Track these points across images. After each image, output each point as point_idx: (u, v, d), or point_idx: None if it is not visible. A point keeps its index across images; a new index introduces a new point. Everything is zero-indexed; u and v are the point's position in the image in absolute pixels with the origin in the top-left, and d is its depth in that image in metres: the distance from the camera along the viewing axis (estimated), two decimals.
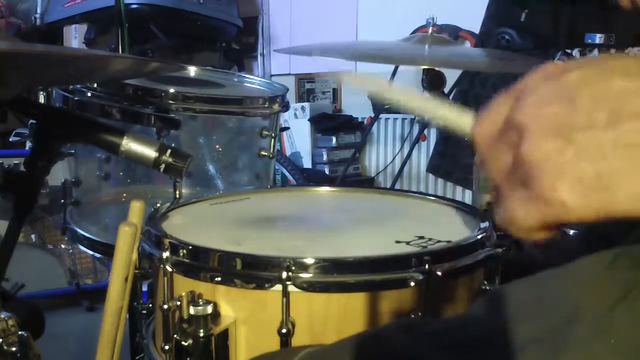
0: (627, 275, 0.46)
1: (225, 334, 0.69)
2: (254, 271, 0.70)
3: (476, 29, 3.01)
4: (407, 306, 0.70)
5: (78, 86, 1.15)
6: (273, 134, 1.31)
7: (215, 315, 0.69)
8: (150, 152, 0.89)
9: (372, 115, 3.55)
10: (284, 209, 1.05)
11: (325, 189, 1.16)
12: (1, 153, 2.42)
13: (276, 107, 1.29)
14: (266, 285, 0.69)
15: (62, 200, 1.35)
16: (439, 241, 0.79)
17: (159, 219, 0.89)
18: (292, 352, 0.65)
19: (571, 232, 1.24)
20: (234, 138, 1.36)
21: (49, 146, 0.87)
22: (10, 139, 2.37)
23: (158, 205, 0.95)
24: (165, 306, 0.71)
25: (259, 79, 1.54)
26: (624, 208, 0.35)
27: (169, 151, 0.89)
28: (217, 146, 1.34)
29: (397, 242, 0.79)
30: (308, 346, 0.66)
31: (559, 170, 0.36)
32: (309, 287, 0.68)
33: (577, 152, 0.35)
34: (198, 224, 0.93)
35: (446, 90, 1.15)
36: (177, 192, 1.08)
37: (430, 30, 1.14)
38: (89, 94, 1.14)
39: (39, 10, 3.41)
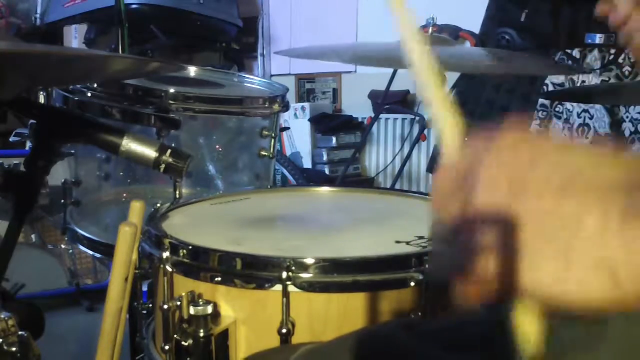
0: None
1: (225, 334, 0.69)
2: (254, 271, 0.70)
3: (476, 29, 3.01)
4: (407, 306, 0.70)
5: (78, 86, 1.15)
6: (273, 134, 1.31)
7: (215, 315, 0.69)
8: (150, 152, 0.89)
9: (372, 115, 3.55)
10: (284, 209, 1.05)
11: (325, 189, 1.16)
12: (1, 153, 2.42)
13: (276, 107, 1.29)
14: (266, 285, 0.69)
15: (62, 200, 1.35)
16: None
17: (159, 219, 0.89)
18: (291, 349, 0.65)
19: None
20: (234, 138, 1.36)
21: (49, 146, 0.87)
22: (10, 139, 2.37)
23: (158, 205, 0.95)
24: (165, 306, 0.71)
25: (259, 79, 1.54)
26: (549, 292, 0.33)
27: (169, 151, 0.89)
28: (217, 146, 1.34)
29: (397, 242, 0.79)
30: (307, 343, 0.66)
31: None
32: (309, 287, 0.68)
33: (523, 223, 0.34)
34: (198, 224, 0.93)
35: (446, 90, 1.15)
36: (177, 192, 1.08)
37: (430, 30, 1.14)
38: (89, 94, 1.14)
39: (39, 10, 3.41)
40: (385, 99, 3.34)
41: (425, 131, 3.35)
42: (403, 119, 3.56)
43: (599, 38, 2.17)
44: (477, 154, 0.37)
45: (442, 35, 1.16)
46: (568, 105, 2.24)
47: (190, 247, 0.74)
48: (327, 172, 3.58)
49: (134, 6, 2.96)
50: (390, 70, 3.20)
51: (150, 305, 0.89)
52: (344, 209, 1.05)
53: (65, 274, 2.53)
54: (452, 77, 2.79)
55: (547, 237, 0.32)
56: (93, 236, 1.27)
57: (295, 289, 0.68)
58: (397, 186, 3.31)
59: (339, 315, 0.69)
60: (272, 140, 1.31)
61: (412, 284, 0.69)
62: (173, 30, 3.28)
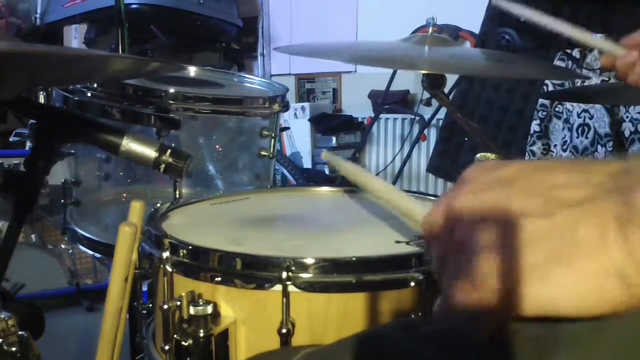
0: None
1: (225, 334, 0.69)
2: (254, 271, 0.70)
3: (476, 29, 3.01)
4: (407, 306, 0.70)
5: (78, 86, 1.15)
6: (273, 134, 1.31)
7: (215, 315, 0.69)
8: (150, 152, 0.89)
9: (372, 115, 3.55)
10: (284, 209, 1.05)
11: (325, 189, 1.16)
12: (1, 153, 2.42)
13: (276, 107, 1.29)
14: (266, 285, 0.69)
15: (62, 200, 1.35)
16: None
17: (159, 219, 0.88)
18: (291, 351, 0.65)
19: None
20: (234, 138, 1.36)
21: (49, 146, 0.87)
22: (10, 139, 2.38)
23: (158, 205, 0.95)
24: (165, 306, 0.71)
25: (259, 79, 1.54)
26: (551, 302, 0.33)
27: (169, 151, 0.89)
28: (217, 146, 1.34)
29: (397, 242, 0.79)
30: (307, 346, 0.66)
31: (492, 256, 0.35)
32: (309, 287, 0.68)
33: (512, 238, 0.34)
34: (198, 224, 0.93)
35: (446, 90, 1.15)
36: (177, 192, 1.08)
37: (430, 30, 1.14)
38: (89, 94, 1.14)
39: (39, 10, 3.42)
40: (385, 99, 3.34)
41: (425, 131, 3.35)
42: (403, 119, 3.56)
43: (599, 38, 2.17)
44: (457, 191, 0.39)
45: (442, 35, 1.16)
46: (568, 105, 2.24)
47: (190, 247, 0.74)
48: (327, 172, 3.58)
49: (134, 6, 2.97)
50: (390, 70, 3.20)
51: (150, 305, 0.89)
52: (344, 209, 1.05)
53: (65, 274, 2.53)
54: (452, 77, 2.80)
55: (550, 252, 0.33)
56: (93, 236, 1.27)
57: (295, 289, 0.68)
58: (397, 186, 3.31)
59: (339, 315, 0.69)
60: (272, 140, 1.31)
61: (412, 284, 0.69)
62: (173, 30, 3.29)
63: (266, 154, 1.31)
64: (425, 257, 0.70)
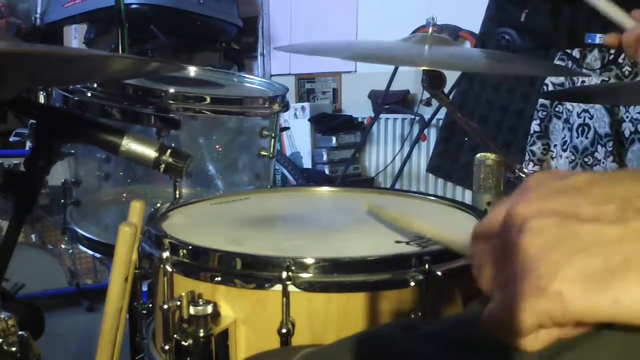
0: None
1: (225, 334, 0.69)
2: (254, 271, 0.70)
3: (476, 29, 3.02)
4: (407, 306, 0.70)
5: (78, 86, 1.15)
6: (273, 134, 1.31)
7: (215, 315, 0.69)
8: (150, 152, 0.89)
9: (372, 115, 3.55)
10: (284, 209, 1.05)
11: (325, 189, 1.16)
12: (1, 153, 2.42)
13: (276, 107, 1.29)
14: (266, 285, 0.69)
15: (62, 200, 1.35)
16: None
17: (159, 219, 0.88)
18: (291, 352, 0.65)
19: None
20: (234, 138, 1.36)
21: (49, 146, 0.87)
22: (10, 139, 2.38)
23: (158, 205, 0.95)
24: (165, 306, 0.71)
25: (259, 79, 1.54)
26: (627, 310, 0.32)
27: (169, 151, 0.89)
28: (217, 146, 1.34)
29: (397, 242, 0.79)
30: (306, 346, 0.66)
31: (559, 261, 0.33)
32: (309, 287, 0.68)
33: (582, 244, 0.33)
34: (198, 224, 0.93)
35: (446, 90, 1.15)
36: (177, 192, 1.08)
37: (430, 30, 1.14)
38: (89, 94, 1.14)
39: (39, 10, 3.41)
40: (385, 99, 3.34)
41: (425, 131, 3.35)
42: (403, 119, 3.56)
43: (599, 38, 2.17)
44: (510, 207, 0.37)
45: (442, 35, 1.16)
46: (568, 105, 2.24)
47: (190, 247, 0.74)
48: (327, 172, 3.58)
49: (134, 6, 2.97)
50: (391, 70, 3.20)
51: (150, 305, 0.89)
52: (344, 209, 1.05)
53: (65, 274, 2.53)
54: (452, 77, 2.80)
55: (626, 259, 0.32)
56: (93, 236, 1.27)
57: (295, 289, 0.68)
58: (397, 186, 3.31)
59: (339, 315, 0.69)
60: (272, 140, 1.31)
61: (412, 284, 0.69)
62: (173, 30, 3.29)
63: (266, 154, 1.31)
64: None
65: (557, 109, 2.34)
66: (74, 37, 3.30)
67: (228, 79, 1.50)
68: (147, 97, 1.13)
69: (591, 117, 2.14)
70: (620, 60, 2.10)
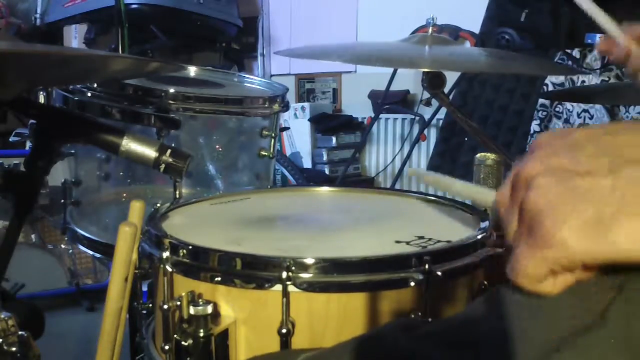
0: (618, 278, 0.47)
1: (225, 334, 0.69)
2: (254, 271, 0.70)
3: (476, 29, 3.02)
4: (407, 306, 0.70)
5: (78, 86, 1.15)
6: (273, 134, 1.31)
7: (215, 315, 0.69)
8: (150, 152, 0.89)
9: (372, 115, 3.55)
10: (284, 209, 1.05)
11: (325, 189, 1.16)
12: (1, 153, 2.42)
13: (276, 107, 1.29)
14: (266, 285, 0.69)
15: (62, 200, 1.35)
16: (438, 241, 0.78)
17: (159, 219, 0.88)
18: (291, 354, 0.65)
19: None
20: (234, 138, 1.36)
21: (49, 146, 0.87)
22: (10, 139, 2.38)
23: (158, 205, 0.95)
24: (165, 306, 0.71)
25: (259, 79, 1.54)
26: (625, 250, 0.36)
27: (169, 151, 0.89)
28: (217, 146, 1.34)
29: (397, 242, 0.79)
30: (306, 350, 0.66)
31: (561, 213, 0.38)
32: (309, 287, 0.68)
33: (579, 196, 0.37)
34: (198, 224, 0.93)
35: (446, 90, 1.15)
36: (177, 192, 1.08)
37: (430, 30, 1.14)
38: (89, 94, 1.14)
39: (39, 10, 3.42)
40: (385, 99, 3.34)
41: (425, 131, 3.35)
42: (403, 119, 3.56)
43: (599, 38, 2.17)
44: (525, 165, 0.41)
45: (442, 35, 1.16)
46: (568, 105, 2.24)
47: (190, 247, 0.74)
48: (327, 172, 3.58)
49: (134, 6, 2.97)
50: (390, 70, 3.20)
51: (150, 305, 0.89)
52: (344, 209, 1.05)
53: (65, 274, 2.53)
54: (452, 77, 2.80)
55: (621, 205, 0.36)
56: (93, 236, 1.27)
57: (295, 289, 0.68)
58: (397, 186, 3.31)
59: (339, 315, 0.69)
60: (272, 140, 1.31)
61: (412, 284, 0.69)
62: (173, 30, 3.29)
63: (266, 154, 1.31)
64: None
65: (557, 109, 2.34)
66: (74, 37, 3.30)
67: (228, 79, 1.50)
68: (147, 97, 1.13)
69: (591, 117, 2.14)
70: None
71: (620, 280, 0.49)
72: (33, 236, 2.53)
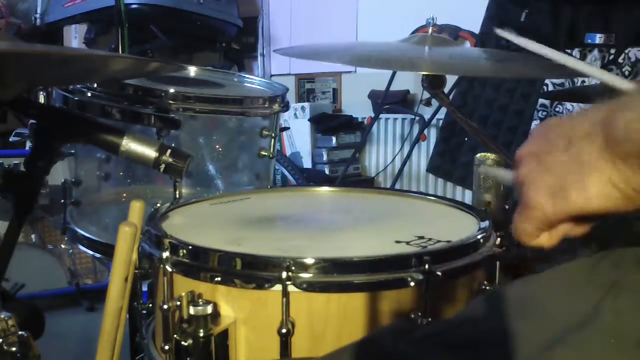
0: (609, 277, 0.53)
1: (225, 334, 0.69)
2: (253, 271, 0.70)
3: (476, 29, 3.02)
4: (407, 306, 0.70)
5: (78, 86, 1.15)
6: (273, 134, 1.31)
7: (215, 315, 0.69)
8: (150, 152, 0.89)
9: (372, 115, 3.55)
10: (284, 209, 1.05)
11: (325, 189, 1.16)
12: (1, 153, 2.42)
13: (276, 107, 1.29)
14: (266, 285, 0.69)
15: (62, 200, 1.35)
16: (438, 241, 0.79)
17: (159, 219, 0.89)
18: None
19: None
20: (234, 138, 1.36)
21: (49, 146, 0.87)
22: (10, 139, 2.38)
23: (158, 205, 0.95)
24: (165, 306, 0.71)
25: (259, 79, 1.54)
26: (580, 206, 0.48)
27: (169, 151, 0.89)
28: (217, 146, 1.34)
29: (397, 242, 0.79)
30: (305, 359, 0.66)
31: (536, 184, 0.50)
32: (309, 287, 0.68)
33: (545, 171, 0.50)
34: (198, 224, 0.93)
35: (446, 90, 1.15)
36: (177, 192, 1.08)
37: (430, 31, 1.14)
38: (89, 94, 1.14)
39: (39, 10, 3.41)
40: (385, 99, 3.34)
41: (425, 131, 3.35)
42: (403, 119, 3.56)
43: (599, 38, 2.17)
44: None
45: (442, 35, 1.16)
46: (568, 105, 2.24)
47: (190, 247, 0.74)
48: (327, 172, 3.58)
49: (134, 6, 2.96)
50: (391, 70, 3.20)
51: (150, 305, 0.89)
52: (344, 209, 1.05)
53: (65, 274, 2.53)
54: (452, 77, 2.80)
55: (574, 172, 0.48)
56: (93, 236, 1.27)
57: (295, 289, 0.68)
58: (397, 186, 3.31)
59: (339, 315, 0.69)
60: (272, 140, 1.31)
61: (412, 284, 0.69)
62: (173, 30, 3.29)
63: (266, 154, 1.31)
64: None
65: (557, 109, 2.34)
66: (74, 37, 3.29)
67: (228, 79, 1.50)
68: (147, 97, 1.13)
69: None
70: (620, 60, 2.10)
71: (611, 278, 0.52)
72: (33, 236, 2.53)
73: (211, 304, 0.68)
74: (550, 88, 2.32)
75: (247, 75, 1.54)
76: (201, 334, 0.67)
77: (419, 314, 0.70)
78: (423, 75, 1.11)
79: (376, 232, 0.88)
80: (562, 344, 0.49)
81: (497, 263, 0.78)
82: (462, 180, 3.12)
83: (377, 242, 0.82)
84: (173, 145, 0.98)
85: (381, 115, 3.50)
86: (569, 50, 2.28)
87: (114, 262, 0.81)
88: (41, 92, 1.16)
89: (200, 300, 0.69)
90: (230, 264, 0.71)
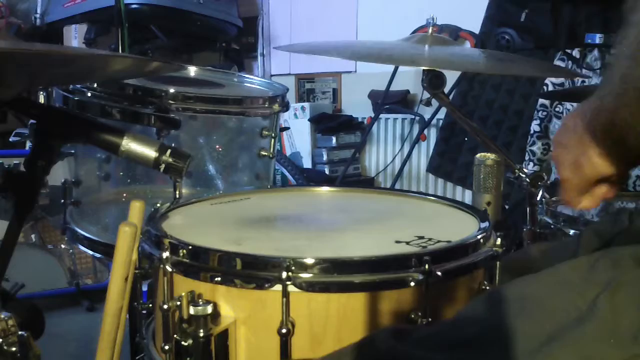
0: (607, 274, 0.55)
1: (225, 334, 0.69)
2: (253, 271, 0.70)
3: (476, 29, 3.02)
4: (407, 306, 0.70)
5: (78, 86, 1.15)
6: (273, 134, 1.31)
7: (215, 315, 0.69)
8: (150, 152, 0.89)
9: (372, 115, 3.55)
10: (284, 209, 1.05)
11: (325, 189, 1.16)
12: (1, 153, 2.42)
13: (276, 107, 1.29)
14: (266, 285, 0.69)
15: (62, 200, 1.35)
16: (439, 241, 0.79)
17: (159, 219, 0.89)
18: None
19: (571, 232, 1.24)
20: (234, 138, 1.36)
21: (49, 146, 0.87)
22: (10, 139, 2.38)
23: (158, 205, 0.95)
24: (165, 306, 0.71)
25: (259, 79, 1.54)
26: (596, 174, 0.63)
27: (169, 151, 0.89)
28: (217, 146, 1.34)
29: (397, 242, 0.79)
30: None
31: (562, 163, 0.66)
32: (309, 287, 0.68)
33: (566, 151, 0.65)
34: (198, 224, 0.93)
35: (446, 90, 1.15)
36: (177, 192, 1.08)
37: (430, 30, 1.14)
38: (89, 94, 1.14)
39: (39, 10, 3.41)
40: (385, 99, 3.34)
41: (425, 131, 3.35)
42: (403, 119, 3.56)
43: (599, 38, 2.17)
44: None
45: (442, 35, 1.16)
46: (568, 105, 2.24)
47: (190, 247, 0.74)
48: (327, 172, 3.58)
49: (134, 6, 2.96)
50: (390, 70, 3.20)
51: (150, 305, 0.89)
52: (344, 209, 1.05)
53: (65, 274, 2.53)
54: (452, 77, 2.80)
55: (576, 154, 0.64)
56: (93, 236, 1.27)
57: (295, 289, 0.68)
58: (397, 186, 3.31)
59: (339, 315, 0.69)
60: (272, 140, 1.31)
61: (412, 284, 0.69)
62: (173, 30, 3.29)
63: (266, 154, 1.31)
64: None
65: (557, 109, 2.34)
66: (74, 37, 3.29)
67: (228, 79, 1.50)
68: (147, 97, 1.13)
69: None
70: None
71: (609, 275, 0.54)
72: (33, 236, 2.53)
73: (211, 304, 0.68)
74: (550, 88, 2.31)
75: (247, 75, 1.54)
76: (201, 334, 0.67)
77: (419, 314, 0.70)
78: (423, 75, 1.11)
79: (376, 232, 0.88)
80: (561, 339, 0.50)
81: (497, 263, 0.78)
82: (462, 180, 3.12)
83: (377, 242, 0.82)
84: (173, 145, 0.98)
85: (381, 115, 3.50)
86: (569, 51, 2.28)
87: (114, 262, 0.81)
88: (41, 92, 1.16)
89: (200, 300, 0.69)
90: (230, 264, 0.71)
